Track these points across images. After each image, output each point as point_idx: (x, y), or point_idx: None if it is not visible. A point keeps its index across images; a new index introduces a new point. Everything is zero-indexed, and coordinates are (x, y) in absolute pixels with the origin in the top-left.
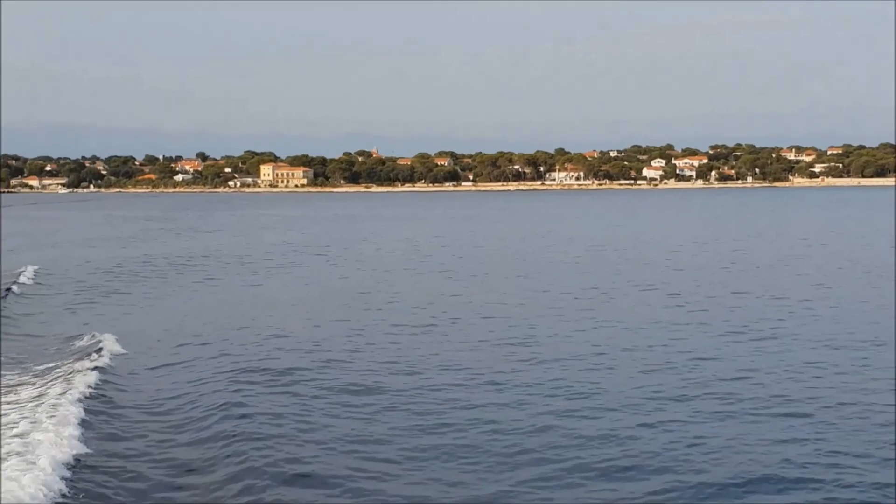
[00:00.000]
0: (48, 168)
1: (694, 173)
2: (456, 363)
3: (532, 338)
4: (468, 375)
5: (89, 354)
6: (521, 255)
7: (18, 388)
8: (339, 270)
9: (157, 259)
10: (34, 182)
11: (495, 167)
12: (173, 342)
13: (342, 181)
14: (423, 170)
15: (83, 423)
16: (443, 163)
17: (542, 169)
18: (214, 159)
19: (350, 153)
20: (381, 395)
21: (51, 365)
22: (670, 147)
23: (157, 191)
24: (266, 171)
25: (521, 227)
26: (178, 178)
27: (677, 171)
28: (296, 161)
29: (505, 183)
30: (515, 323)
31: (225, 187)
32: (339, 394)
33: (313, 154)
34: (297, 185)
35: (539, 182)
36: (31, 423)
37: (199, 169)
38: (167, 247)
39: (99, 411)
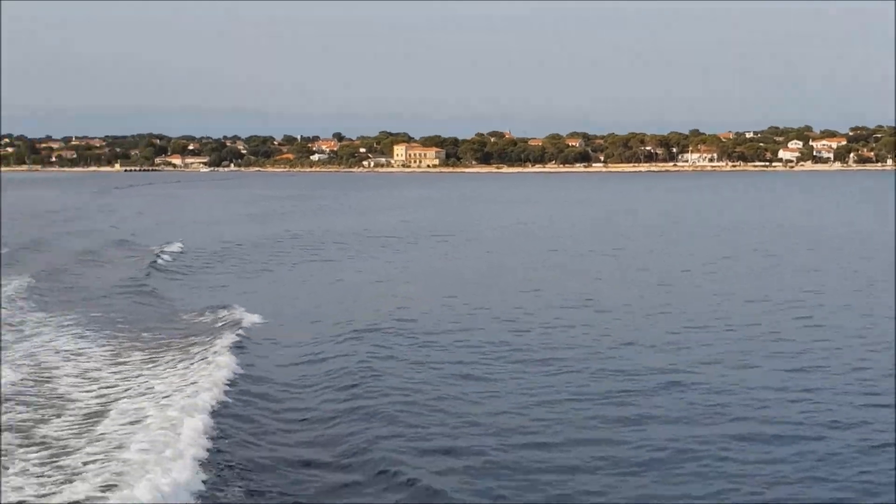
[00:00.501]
0: (191, 147)
1: (831, 155)
2: (587, 342)
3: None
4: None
5: (228, 326)
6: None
7: (161, 357)
8: (465, 250)
9: (294, 236)
10: (177, 160)
11: (626, 148)
12: (308, 316)
13: (473, 161)
14: (554, 150)
15: (224, 393)
16: (574, 144)
17: (674, 150)
18: (350, 139)
19: (482, 134)
20: (509, 373)
21: (191, 336)
22: (808, 128)
23: (294, 170)
24: (399, 151)
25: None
26: (315, 157)
27: (814, 153)
28: (428, 141)
29: (636, 164)
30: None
31: (359, 167)
32: (473, 371)
33: (446, 135)
34: (428, 166)
35: (671, 163)
36: (176, 389)
37: (335, 149)
38: (303, 224)
39: (238, 379)
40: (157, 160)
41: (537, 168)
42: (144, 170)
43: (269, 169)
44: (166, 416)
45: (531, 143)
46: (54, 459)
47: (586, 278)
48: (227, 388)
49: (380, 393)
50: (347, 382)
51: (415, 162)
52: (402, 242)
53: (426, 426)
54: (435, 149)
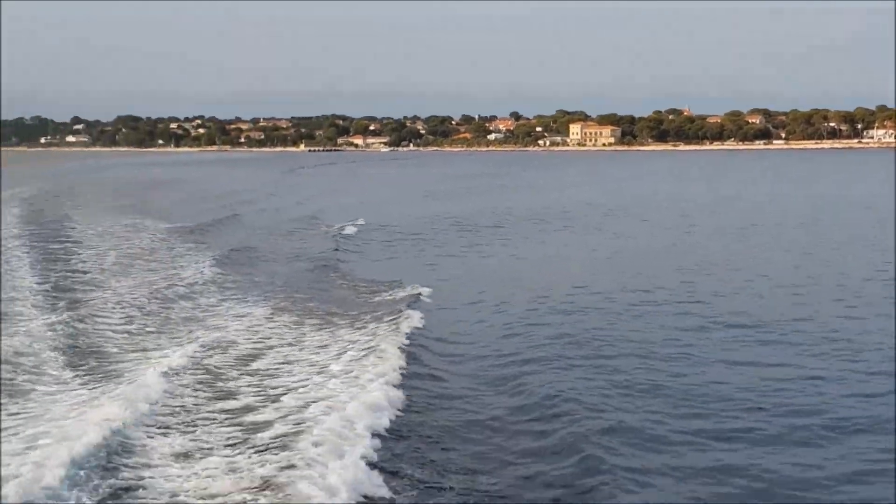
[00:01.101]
0: (372, 127)
1: None
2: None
3: None
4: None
5: (407, 300)
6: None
7: (340, 332)
8: (639, 230)
9: (472, 214)
10: (359, 141)
11: (809, 125)
12: (491, 291)
13: (649, 140)
14: (733, 128)
15: (400, 367)
16: (754, 120)
17: (859, 126)
18: (527, 118)
19: (660, 111)
20: (708, 346)
21: (372, 310)
22: None
23: (471, 149)
24: (575, 129)
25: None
26: (491, 136)
27: None
28: (604, 120)
29: (818, 140)
30: None
31: (534, 146)
32: (655, 356)
33: (622, 113)
34: (604, 144)
35: (855, 140)
36: (354, 361)
37: (511, 128)
38: (481, 202)
39: (414, 354)
40: (340, 140)
41: (715, 145)
42: (327, 150)
43: (447, 148)
44: (353, 387)
45: (709, 119)
46: (246, 435)
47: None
48: (409, 359)
49: (568, 366)
50: (530, 356)
51: (590, 140)
52: (578, 220)
53: (615, 408)
54: (611, 127)
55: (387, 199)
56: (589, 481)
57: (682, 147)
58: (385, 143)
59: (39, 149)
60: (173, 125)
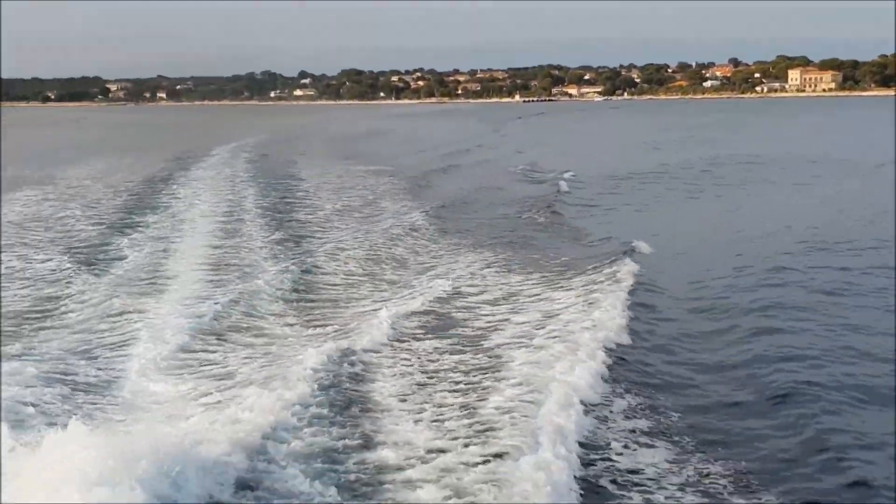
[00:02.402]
0: (586, 77)
1: None
2: None
3: None
4: None
5: (622, 253)
6: None
7: (557, 282)
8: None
9: (683, 165)
10: (573, 90)
11: None
12: (702, 248)
13: (872, 84)
14: None
15: (619, 319)
16: None
17: None
18: (746, 64)
19: (885, 55)
20: None
21: (588, 262)
22: None
23: (686, 97)
24: (794, 75)
25: None
26: (707, 84)
27: None
28: (825, 65)
29: None
30: None
31: (751, 93)
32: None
33: (845, 58)
34: (823, 90)
35: None
36: (572, 311)
37: (729, 75)
38: (694, 153)
39: (634, 306)
40: (554, 90)
41: None
42: (541, 100)
43: (661, 96)
44: (570, 337)
45: None
46: (471, 379)
47: None
48: (628, 311)
49: (797, 329)
50: (753, 319)
51: (809, 86)
52: (805, 171)
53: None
54: (831, 72)
55: (600, 150)
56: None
57: None
58: (598, 93)
59: (269, 102)
60: (394, 78)
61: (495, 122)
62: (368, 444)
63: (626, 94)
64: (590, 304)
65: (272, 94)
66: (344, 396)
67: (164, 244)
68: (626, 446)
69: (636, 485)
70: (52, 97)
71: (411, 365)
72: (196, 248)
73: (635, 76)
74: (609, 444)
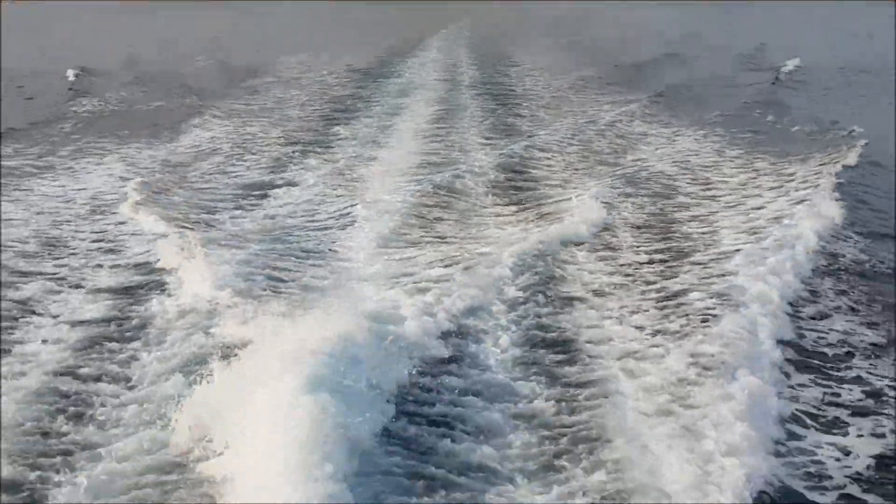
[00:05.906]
0: None
1: None
2: None
3: None
4: None
5: (840, 144)
6: None
7: (770, 168)
8: None
9: None
10: None
11: None
12: None
13: None
14: None
15: (833, 212)
16: None
17: None
18: None
19: None
20: None
21: (798, 151)
22: None
23: None
24: None
25: None
26: None
27: None
28: None
29: None
30: None
31: None
32: None
33: None
34: None
35: None
36: (784, 201)
37: None
38: None
39: (849, 197)
40: None
41: None
42: None
43: None
44: (782, 227)
45: None
46: (669, 270)
47: None
48: (845, 203)
49: None
50: None
51: None
52: None
53: None
54: None
55: (822, 37)
56: None
57: None
58: None
59: None
60: None
61: (719, 10)
62: (576, 337)
63: None
64: (802, 197)
65: None
66: (550, 289)
67: (378, 130)
68: None
69: None
70: None
71: (620, 254)
72: (409, 134)
73: None
74: None
